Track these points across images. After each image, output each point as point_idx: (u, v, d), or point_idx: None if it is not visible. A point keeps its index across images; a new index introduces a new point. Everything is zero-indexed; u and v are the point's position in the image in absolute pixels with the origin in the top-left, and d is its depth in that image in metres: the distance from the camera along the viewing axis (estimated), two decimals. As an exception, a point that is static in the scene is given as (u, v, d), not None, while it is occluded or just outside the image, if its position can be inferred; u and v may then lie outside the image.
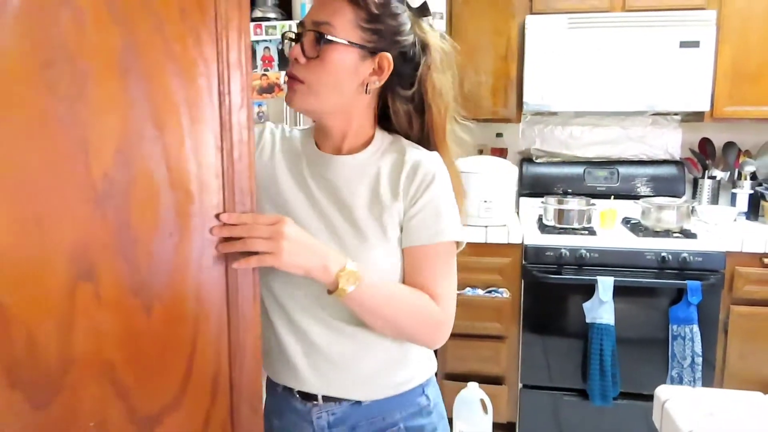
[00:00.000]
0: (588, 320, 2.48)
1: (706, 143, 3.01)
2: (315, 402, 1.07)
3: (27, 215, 0.57)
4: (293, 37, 1.03)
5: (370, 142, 1.09)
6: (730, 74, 2.69)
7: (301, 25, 1.02)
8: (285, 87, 1.05)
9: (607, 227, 2.75)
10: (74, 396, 0.64)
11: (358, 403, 1.06)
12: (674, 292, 2.46)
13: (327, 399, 1.06)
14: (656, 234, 2.60)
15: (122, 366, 0.68)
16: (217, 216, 0.77)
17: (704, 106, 2.69)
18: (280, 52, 2.44)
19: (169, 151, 0.69)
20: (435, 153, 1.07)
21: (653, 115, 3.04)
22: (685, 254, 2.45)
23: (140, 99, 0.66)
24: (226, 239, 0.79)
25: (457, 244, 1.06)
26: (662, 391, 1.05)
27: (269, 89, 2.50)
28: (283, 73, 2.41)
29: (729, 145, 2.98)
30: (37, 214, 0.58)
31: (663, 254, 2.46)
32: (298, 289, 1.02)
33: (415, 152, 1.06)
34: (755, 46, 2.66)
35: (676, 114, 3.02)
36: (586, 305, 2.48)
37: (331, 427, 1.07)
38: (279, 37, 2.43)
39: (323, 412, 1.07)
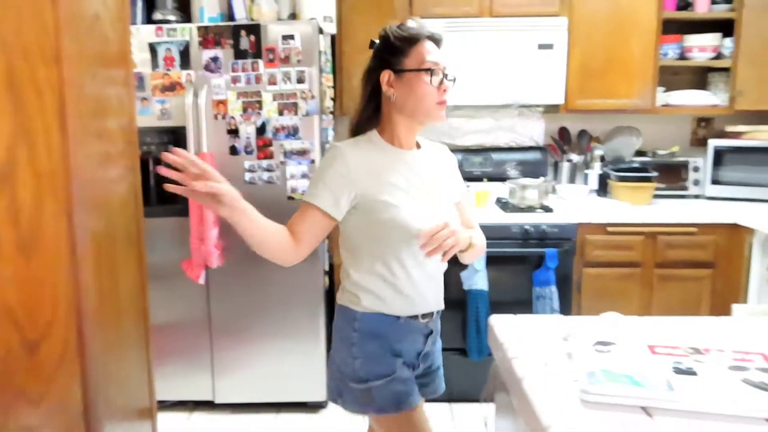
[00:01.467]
0: (465, 287, 2.85)
1: (563, 131, 3.48)
2: (430, 318, 1.57)
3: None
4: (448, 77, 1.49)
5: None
6: (580, 72, 3.15)
7: (435, 64, 1.47)
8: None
9: (482, 206, 3.14)
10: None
11: (439, 312, 1.61)
12: (536, 259, 2.88)
13: (435, 314, 1.58)
14: (521, 210, 3.02)
15: (17, 305, 0.95)
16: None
17: (559, 100, 3.14)
18: (182, 53, 2.61)
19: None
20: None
21: (520, 107, 3.47)
22: (544, 226, 2.87)
23: None
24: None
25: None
26: (493, 320, 1.38)
27: (171, 87, 2.67)
28: (185, 72, 2.61)
29: (582, 133, 3.47)
30: None
31: (526, 227, 2.87)
32: (415, 247, 1.43)
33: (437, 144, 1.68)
34: (599, 48, 3.13)
35: (538, 106, 3.47)
36: (463, 274, 2.85)
37: (432, 333, 1.60)
38: (179, 38, 2.59)
39: (431, 324, 1.58)
